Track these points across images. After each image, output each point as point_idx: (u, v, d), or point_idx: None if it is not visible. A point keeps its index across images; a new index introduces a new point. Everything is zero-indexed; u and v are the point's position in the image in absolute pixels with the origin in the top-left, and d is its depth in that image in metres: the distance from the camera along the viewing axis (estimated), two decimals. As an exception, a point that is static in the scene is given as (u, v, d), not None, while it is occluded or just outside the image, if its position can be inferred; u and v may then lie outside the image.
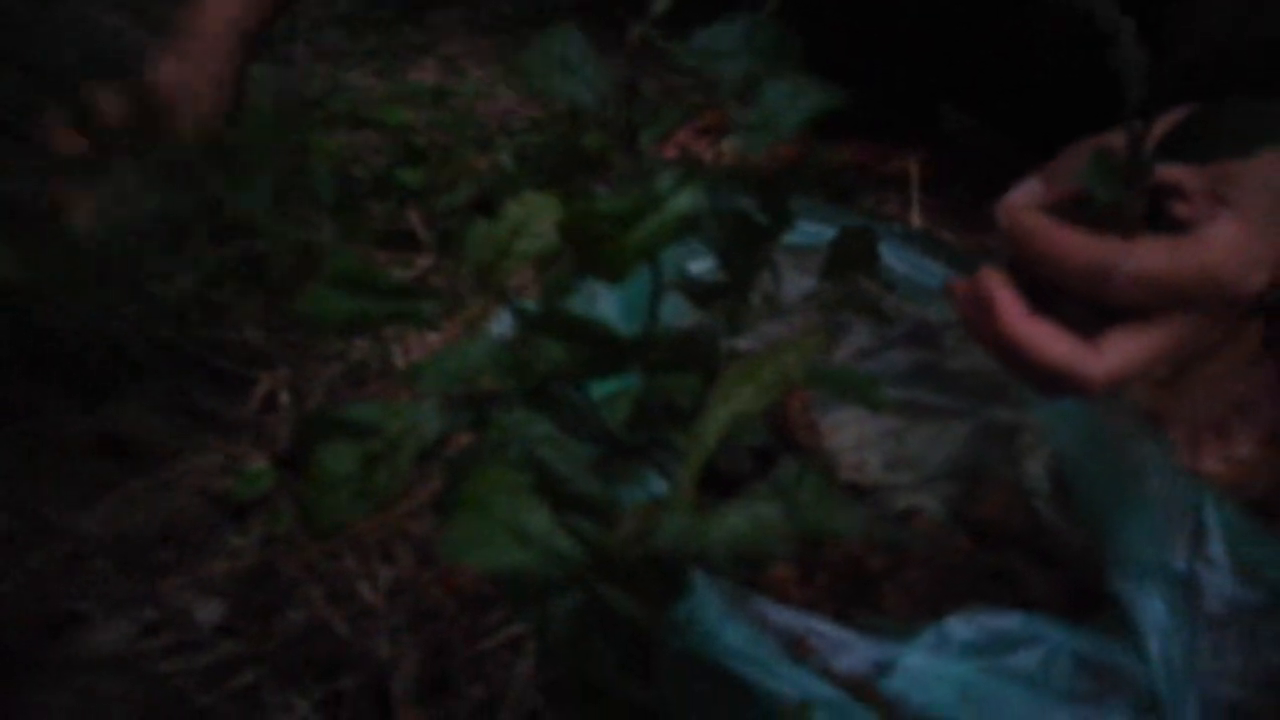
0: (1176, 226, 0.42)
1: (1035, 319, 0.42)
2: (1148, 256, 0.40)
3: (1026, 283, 0.43)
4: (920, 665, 0.44)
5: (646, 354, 0.39)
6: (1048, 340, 0.41)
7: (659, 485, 0.43)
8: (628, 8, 1.33)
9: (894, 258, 0.61)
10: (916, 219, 0.79)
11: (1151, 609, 0.45)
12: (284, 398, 0.60)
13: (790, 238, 0.58)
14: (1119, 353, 0.41)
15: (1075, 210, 0.43)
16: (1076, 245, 0.41)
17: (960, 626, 0.46)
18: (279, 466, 0.52)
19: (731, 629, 0.42)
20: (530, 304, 0.39)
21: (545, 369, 0.35)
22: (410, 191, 0.94)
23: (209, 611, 0.46)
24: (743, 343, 0.58)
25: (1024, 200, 0.44)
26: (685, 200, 0.35)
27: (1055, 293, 0.42)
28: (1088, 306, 0.42)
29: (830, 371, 0.41)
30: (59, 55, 1.15)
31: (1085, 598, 0.52)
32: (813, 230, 0.63)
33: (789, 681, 0.41)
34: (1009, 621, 0.46)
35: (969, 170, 0.93)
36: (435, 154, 1.03)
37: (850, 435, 0.61)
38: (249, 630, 0.46)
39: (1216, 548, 0.48)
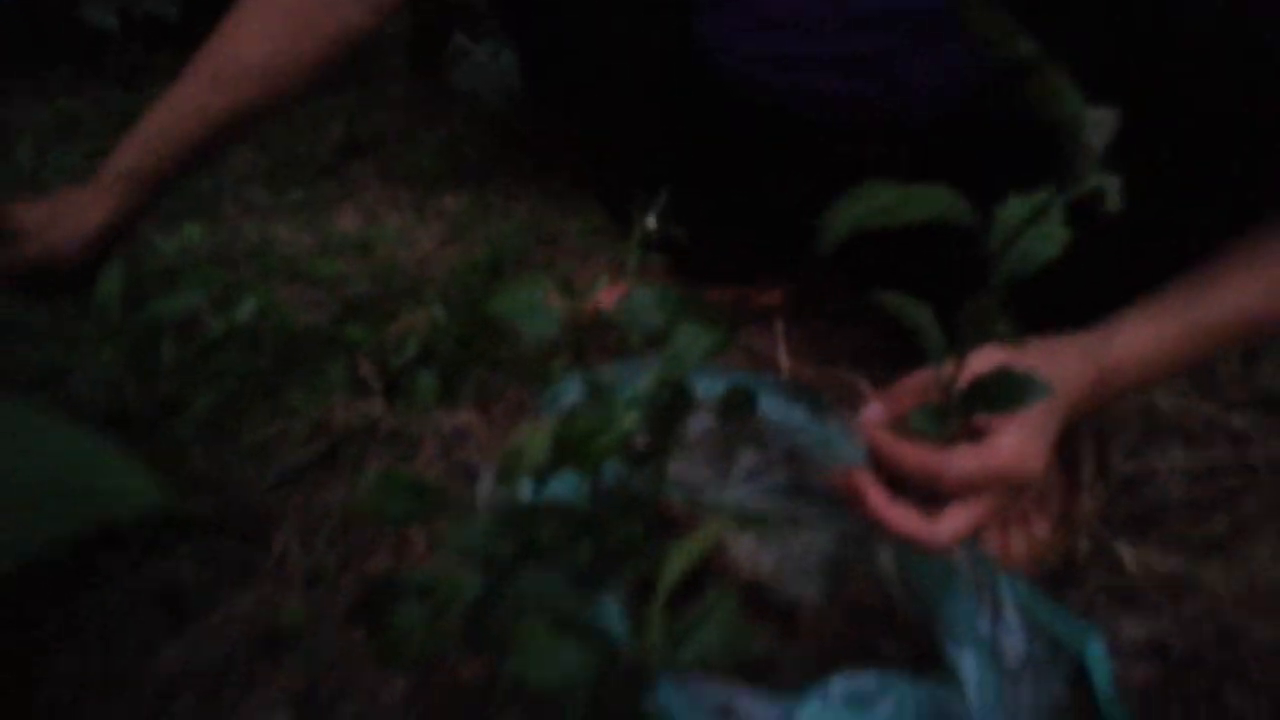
0: (980, 433, 0.61)
1: (893, 505, 0.60)
2: (961, 463, 0.59)
3: (886, 474, 0.62)
4: (813, 717, 0.61)
5: (604, 520, 0.56)
6: (903, 520, 0.60)
7: (613, 610, 0.59)
8: (537, 162, 1.53)
9: (768, 402, 0.79)
10: (784, 357, 0.98)
11: (968, 665, 0.63)
12: (294, 549, 0.74)
13: (696, 390, 0.76)
14: (951, 524, 0.60)
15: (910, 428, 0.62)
16: (914, 457, 0.60)
17: (838, 685, 0.63)
18: (349, 622, 0.66)
19: (676, 702, 0.58)
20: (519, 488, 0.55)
21: (547, 539, 0.51)
22: (355, 345, 1.08)
23: (279, 723, 0.61)
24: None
25: (875, 418, 0.64)
26: (632, 417, 0.52)
27: (904, 482, 0.61)
28: (928, 491, 0.61)
29: (752, 517, 0.59)
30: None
31: (927, 658, 0.70)
32: (710, 384, 0.80)
33: (720, 738, 0.57)
34: (870, 680, 0.63)
35: (824, 303, 1.13)
36: (373, 308, 1.17)
37: (747, 544, 0.79)
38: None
39: (1010, 615, 0.67)
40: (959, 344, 0.56)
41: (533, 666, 0.44)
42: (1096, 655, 0.69)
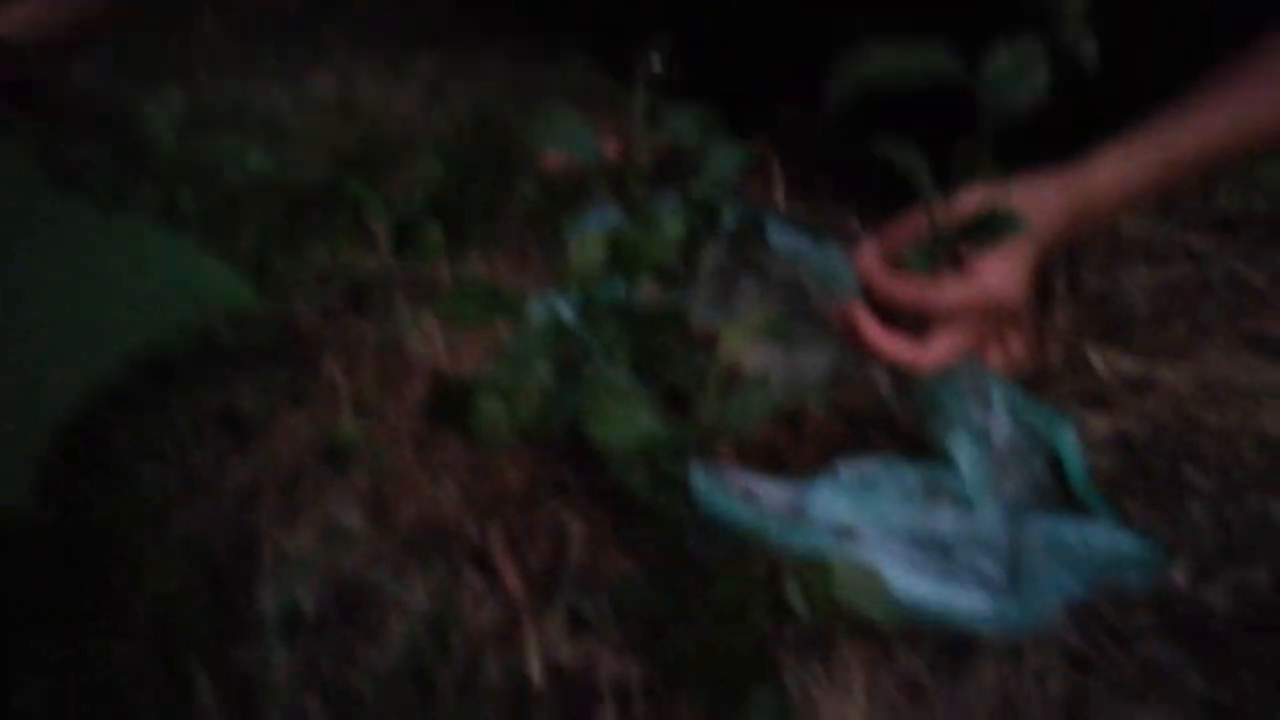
0: (965, 266, 0.67)
1: (884, 333, 0.67)
2: (948, 292, 0.65)
3: (878, 305, 0.68)
4: (826, 495, 0.69)
5: (649, 323, 0.63)
6: (894, 346, 0.67)
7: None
8: (509, 16, 1.53)
9: (774, 235, 0.85)
10: (780, 196, 1.04)
11: (961, 446, 0.72)
12: (339, 377, 0.79)
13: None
14: (939, 349, 0.67)
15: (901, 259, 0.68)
16: (906, 287, 0.66)
17: (844, 470, 0.71)
18: (427, 416, 0.72)
19: (714, 489, 0.65)
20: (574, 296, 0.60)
21: (607, 340, 0.57)
22: (357, 199, 1.11)
23: (351, 518, 0.67)
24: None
25: (869, 255, 0.69)
26: (679, 227, 0.58)
27: (894, 312, 0.68)
28: (916, 319, 0.67)
29: (774, 322, 0.66)
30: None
31: (920, 453, 0.78)
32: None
33: (750, 513, 0.65)
34: (872, 462, 0.71)
35: (805, 151, 1.18)
36: (365, 165, 1.19)
37: (756, 360, 0.85)
38: (382, 528, 0.67)
39: (999, 408, 0.75)
40: (949, 184, 0.62)
41: (610, 430, 0.50)
42: (1068, 442, 0.77)
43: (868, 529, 0.68)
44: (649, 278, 0.69)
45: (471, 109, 1.33)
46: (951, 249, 0.66)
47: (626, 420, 0.51)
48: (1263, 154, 0.76)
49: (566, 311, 0.62)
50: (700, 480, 0.65)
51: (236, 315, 0.56)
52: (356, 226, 1.06)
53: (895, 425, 0.81)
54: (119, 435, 0.73)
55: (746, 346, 0.86)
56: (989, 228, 0.64)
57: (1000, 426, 0.74)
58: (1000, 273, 0.66)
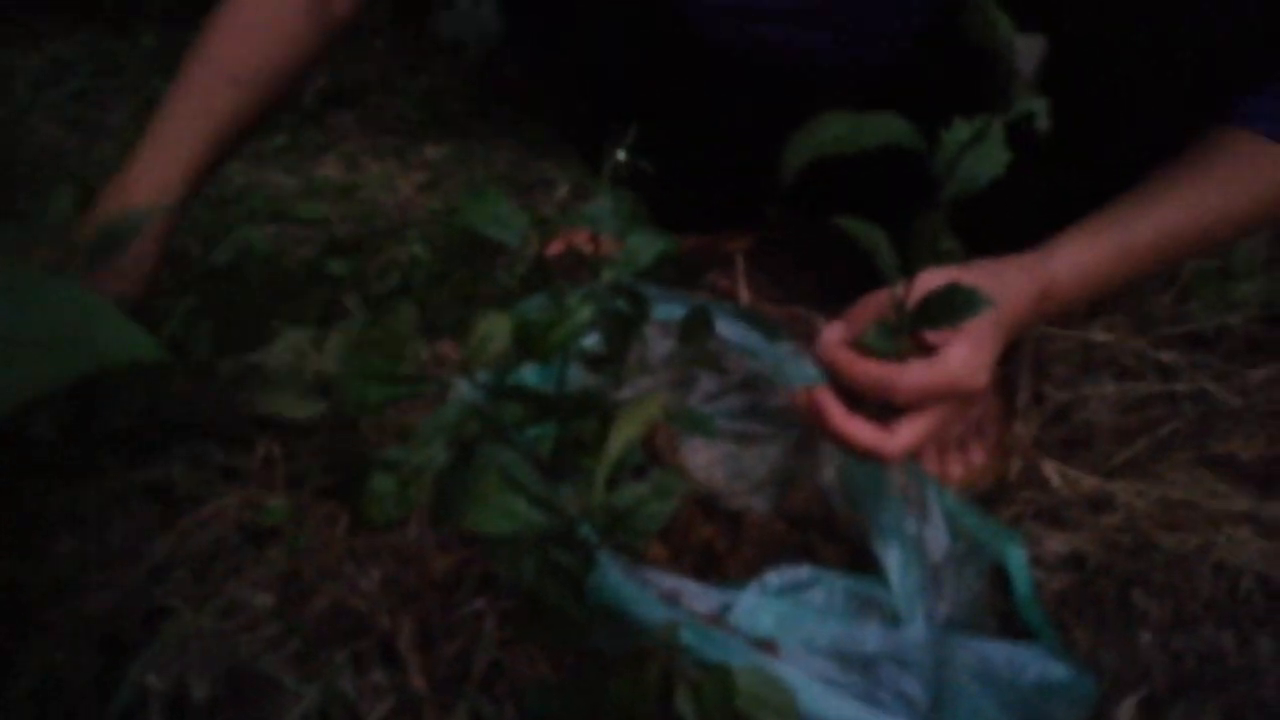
0: (930, 348, 0.65)
1: (850, 418, 0.65)
2: (913, 375, 0.63)
3: (843, 391, 0.66)
4: (750, 603, 0.67)
5: (560, 407, 0.62)
6: (860, 431, 0.65)
7: (570, 496, 0.65)
8: (517, 112, 1.57)
9: (726, 328, 0.84)
10: (744, 291, 1.03)
11: (892, 557, 0.69)
12: (276, 451, 0.79)
13: (656, 314, 0.82)
14: (905, 435, 0.65)
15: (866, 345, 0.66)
16: (870, 371, 0.64)
17: (774, 577, 0.69)
18: (327, 495, 0.72)
19: (627, 585, 0.64)
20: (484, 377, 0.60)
21: (508, 420, 0.56)
22: (339, 279, 1.12)
23: (263, 600, 0.66)
24: (625, 393, 0.81)
25: (834, 338, 0.68)
26: (585, 312, 0.58)
27: (859, 397, 0.66)
28: (881, 406, 0.65)
29: (681, 412, 0.65)
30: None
31: (860, 560, 0.76)
32: (670, 309, 0.85)
33: (665, 616, 0.63)
34: (803, 572, 0.69)
35: (786, 249, 1.18)
36: (355, 245, 1.22)
37: (703, 458, 0.84)
38: (292, 612, 0.66)
39: (935, 516, 0.73)
40: (909, 263, 0.61)
41: (487, 518, 0.49)
42: (1016, 558, 0.75)
43: (790, 642, 0.66)
44: (576, 363, 0.69)
45: (465, 196, 1.36)
46: (916, 332, 0.65)
47: (502, 509, 0.50)
48: (1224, 243, 0.75)
49: (479, 394, 0.61)
50: (611, 575, 0.64)
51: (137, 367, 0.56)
52: (332, 304, 1.07)
53: (837, 530, 0.79)
54: (48, 501, 0.73)
55: (689, 448, 0.86)
56: (953, 307, 0.61)
57: (938, 538, 0.72)
58: (964, 355, 0.65)
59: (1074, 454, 0.86)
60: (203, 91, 0.87)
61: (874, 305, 0.69)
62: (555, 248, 1.06)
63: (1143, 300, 1.03)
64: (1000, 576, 0.75)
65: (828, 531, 0.78)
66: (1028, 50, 0.53)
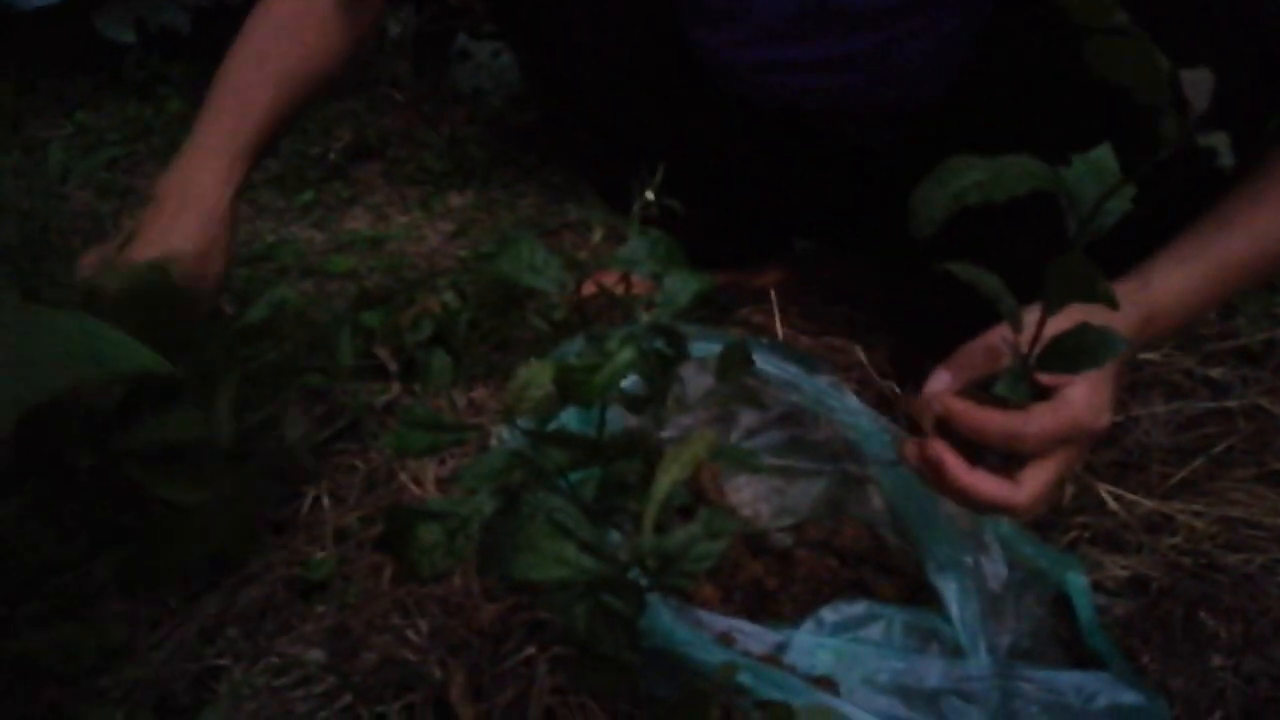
0: (1048, 391, 0.61)
1: (973, 472, 0.59)
2: (1041, 422, 0.59)
3: (958, 440, 0.61)
4: (806, 642, 0.66)
5: (604, 450, 0.61)
6: (985, 486, 0.59)
7: (617, 538, 0.64)
8: (538, 157, 1.58)
9: (763, 362, 0.83)
10: (779, 325, 1.03)
11: (950, 590, 0.68)
12: (325, 502, 0.79)
13: (695, 351, 0.81)
14: (1033, 486, 0.60)
15: (979, 391, 0.62)
16: (995, 420, 0.59)
17: (829, 614, 0.68)
18: (372, 547, 0.71)
19: (680, 628, 0.62)
20: (526, 424, 0.59)
21: (551, 466, 0.56)
22: (371, 331, 1.13)
23: (313, 657, 0.65)
24: (666, 433, 0.80)
25: (941, 387, 0.64)
26: (627, 355, 0.57)
27: (979, 447, 0.60)
28: (1003, 455, 0.60)
29: (726, 449, 0.64)
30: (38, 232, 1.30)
31: (916, 593, 0.74)
32: (707, 346, 0.84)
33: (721, 657, 0.61)
34: (859, 607, 0.68)
35: (817, 282, 1.18)
36: (386, 296, 1.22)
37: (747, 494, 0.83)
38: (343, 667, 0.65)
39: (992, 544, 0.71)
40: (1046, 305, 0.55)
41: (537, 565, 0.48)
42: (1077, 584, 0.73)
43: (850, 679, 0.64)
44: (617, 405, 0.68)
45: (494, 243, 1.36)
46: (1038, 374, 0.60)
47: (552, 555, 0.50)
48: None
49: (521, 441, 0.61)
50: (663, 619, 0.62)
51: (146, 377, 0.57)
52: (366, 356, 1.07)
53: (889, 563, 0.77)
54: (98, 571, 0.73)
55: (733, 485, 0.85)
56: (1087, 351, 0.56)
57: (995, 568, 0.71)
58: (1086, 396, 0.61)
59: (1128, 476, 0.84)
60: (248, 88, 0.90)
61: (981, 350, 0.65)
62: (587, 290, 1.05)
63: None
64: (1061, 604, 0.73)
65: (880, 565, 0.77)
66: (1197, 84, 0.48)
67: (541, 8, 0.94)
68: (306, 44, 0.93)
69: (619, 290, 0.79)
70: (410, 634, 0.69)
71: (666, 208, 0.85)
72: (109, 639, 0.66)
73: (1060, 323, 0.57)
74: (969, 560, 0.70)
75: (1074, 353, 0.56)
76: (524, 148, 1.67)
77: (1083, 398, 0.60)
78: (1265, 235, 0.68)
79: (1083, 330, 0.56)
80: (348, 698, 0.63)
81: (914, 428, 0.95)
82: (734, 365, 0.78)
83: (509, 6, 0.98)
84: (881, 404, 0.98)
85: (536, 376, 0.56)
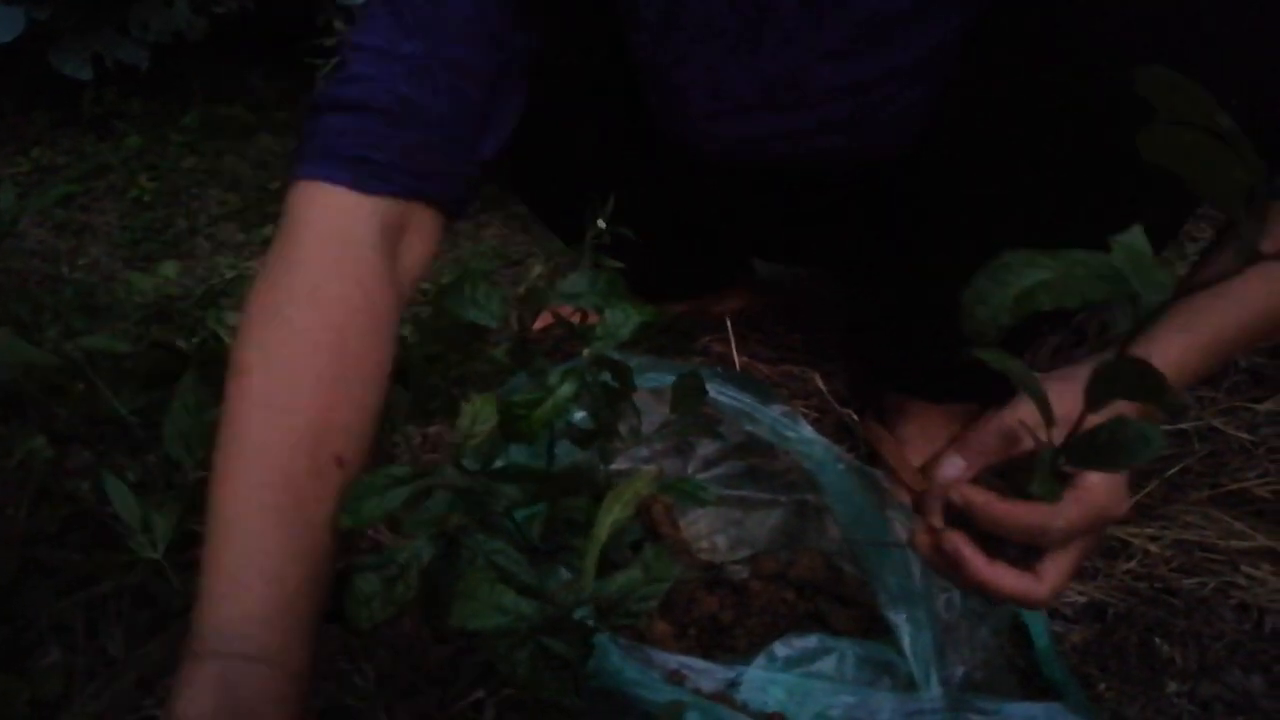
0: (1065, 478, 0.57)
1: (992, 566, 0.57)
2: (1066, 515, 0.56)
3: (971, 528, 0.58)
4: (758, 677, 0.65)
5: (552, 484, 0.60)
6: (1005, 580, 0.57)
7: (565, 576, 0.63)
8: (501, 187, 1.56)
9: (720, 392, 0.83)
10: (735, 354, 1.02)
11: (902, 620, 0.67)
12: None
13: (648, 382, 0.80)
14: (1054, 579, 0.58)
15: (996, 479, 0.60)
16: (1019, 514, 0.57)
17: (781, 648, 0.67)
18: None
19: (628, 667, 0.61)
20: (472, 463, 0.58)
21: (500, 504, 0.55)
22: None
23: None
24: (620, 464, 0.79)
25: (955, 474, 0.60)
26: (567, 390, 0.56)
27: (997, 539, 0.58)
28: (1022, 546, 0.58)
29: (674, 483, 0.63)
30: None
31: (873, 624, 0.74)
32: (661, 378, 0.83)
33: (669, 696, 0.60)
34: (812, 641, 0.67)
35: (777, 307, 1.18)
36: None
37: (703, 526, 0.82)
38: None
39: (947, 575, 0.70)
40: (1089, 401, 0.50)
41: (475, 613, 0.47)
42: (1035, 613, 0.72)
43: (801, 715, 0.63)
44: (562, 439, 0.67)
45: (457, 275, 1.36)
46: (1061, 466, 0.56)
47: (491, 603, 0.49)
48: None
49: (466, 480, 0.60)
50: (611, 658, 0.61)
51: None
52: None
53: (846, 594, 0.76)
54: (39, 611, 0.71)
55: (688, 518, 0.84)
56: (1125, 447, 0.51)
57: (950, 596, 0.70)
58: (1106, 484, 0.58)
59: (1083, 499, 0.84)
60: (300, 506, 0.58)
61: (995, 434, 0.62)
62: (542, 322, 1.04)
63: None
64: (1017, 631, 0.73)
65: (837, 596, 0.76)
66: None
67: None
68: (344, 353, 0.62)
69: (575, 321, 0.79)
70: (356, 679, 0.67)
71: (619, 236, 0.85)
72: (44, 690, 0.65)
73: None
74: (920, 590, 0.69)
75: (1109, 449, 0.51)
76: (486, 179, 1.67)
77: (1105, 485, 0.57)
78: (1257, 301, 0.67)
79: (1121, 425, 0.51)
80: (290, 747, 0.61)
81: (873, 456, 0.95)
82: (688, 395, 0.77)
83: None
84: (840, 431, 0.97)
85: (482, 413, 0.55)
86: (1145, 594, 0.76)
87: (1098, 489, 0.57)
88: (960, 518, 0.59)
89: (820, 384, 1.00)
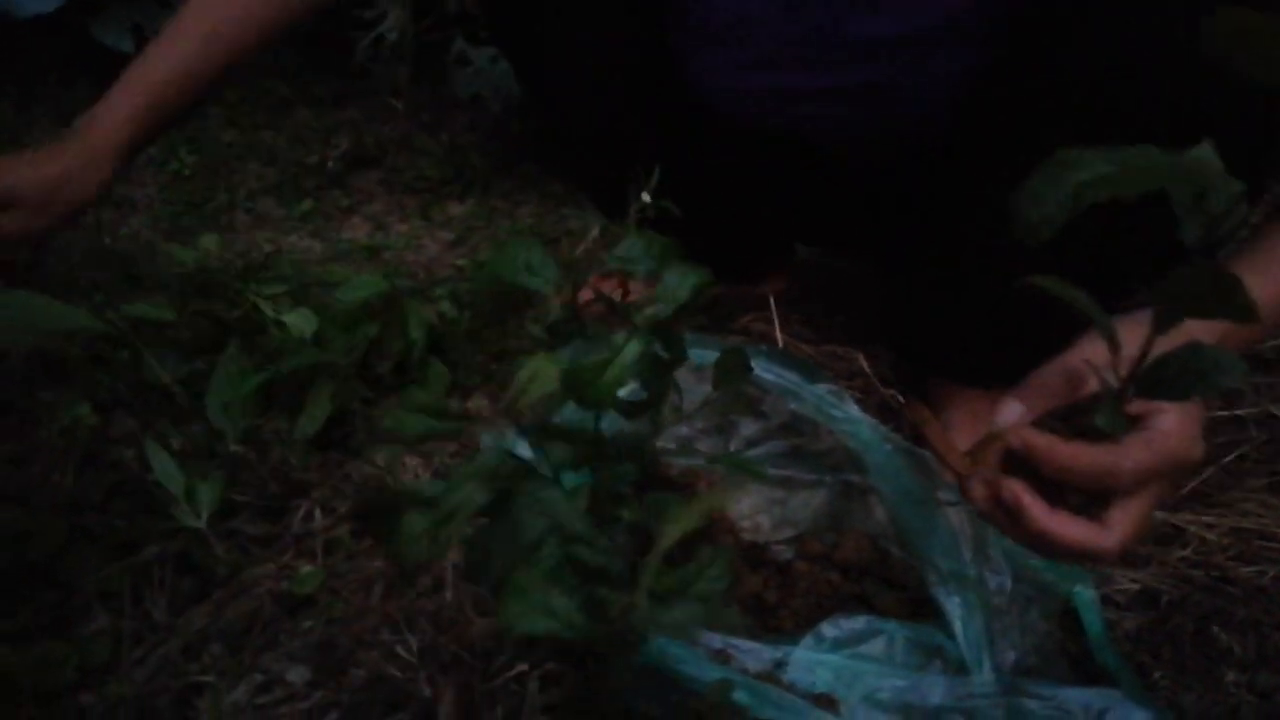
0: (1137, 420, 0.53)
1: (1056, 515, 0.52)
2: (1137, 457, 0.52)
3: (1032, 478, 0.53)
4: (805, 658, 0.64)
5: (603, 450, 0.59)
6: (1070, 530, 0.52)
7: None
8: (538, 165, 1.56)
9: (763, 370, 0.81)
10: (779, 333, 1.01)
11: (953, 604, 0.66)
12: (316, 514, 0.77)
13: (691, 359, 0.79)
14: (1124, 528, 0.53)
15: (1058, 423, 0.55)
16: (1085, 457, 0.52)
17: (829, 629, 0.66)
18: (355, 529, 0.69)
19: (674, 645, 0.60)
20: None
21: (550, 463, 0.54)
22: (368, 340, 1.11)
23: (298, 674, 0.63)
24: (661, 443, 0.78)
25: (1014, 419, 0.56)
26: (631, 352, 0.55)
27: (1059, 486, 0.53)
28: (1087, 494, 0.53)
29: (726, 457, 0.62)
30: None
31: (920, 607, 0.72)
32: (705, 354, 0.82)
33: (715, 674, 0.59)
34: (860, 622, 0.66)
35: (819, 290, 1.16)
36: (384, 306, 1.20)
37: (746, 506, 0.81)
38: (329, 684, 0.63)
39: (995, 556, 0.69)
40: (1156, 323, 0.47)
41: (522, 615, 0.46)
42: (1086, 598, 0.71)
43: (850, 696, 0.62)
44: (613, 410, 0.66)
45: (494, 248, 1.35)
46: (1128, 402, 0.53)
47: (541, 606, 0.47)
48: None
49: (519, 444, 0.59)
50: (667, 643, 0.61)
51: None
52: (363, 366, 1.06)
53: (892, 577, 0.75)
54: (85, 578, 0.71)
55: (731, 496, 0.83)
56: (1199, 374, 0.47)
57: (999, 580, 0.69)
58: (1180, 425, 0.53)
59: (1136, 485, 0.82)
60: (178, 38, 0.94)
61: (1059, 375, 0.58)
62: (584, 295, 1.04)
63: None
64: (1069, 618, 0.71)
65: (883, 578, 0.75)
66: None
67: (534, 21, 0.92)
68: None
69: (616, 296, 0.78)
70: (400, 650, 0.67)
71: (663, 210, 0.84)
72: (91, 656, 0.65)
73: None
74: (972, 573, 0.68)
75: (1182, 376, 0.48)
76: (524, 156, 1.66)
77: (1178, 427, 0.53)
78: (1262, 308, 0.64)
79: (1195, 350, 0.47)
80: (334, 716, 0.61)
81: (918, 438, 0.94)
82: (732, 372, 0.76)
83: (500, 15, 0.96)
84: (885, 413, 0.96)
85: (541, 373, 0.54)
86: (1201, 582, 0.75)
87: (1169, 430, 0.53)
88: (1018, 467, 0.54)
89: (864, 364, 0.99)
